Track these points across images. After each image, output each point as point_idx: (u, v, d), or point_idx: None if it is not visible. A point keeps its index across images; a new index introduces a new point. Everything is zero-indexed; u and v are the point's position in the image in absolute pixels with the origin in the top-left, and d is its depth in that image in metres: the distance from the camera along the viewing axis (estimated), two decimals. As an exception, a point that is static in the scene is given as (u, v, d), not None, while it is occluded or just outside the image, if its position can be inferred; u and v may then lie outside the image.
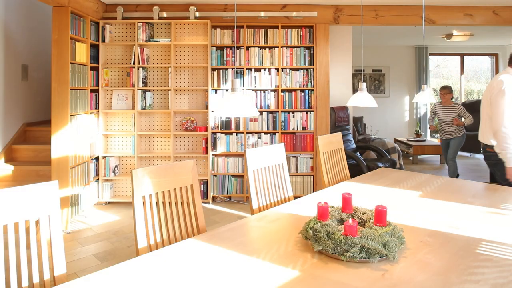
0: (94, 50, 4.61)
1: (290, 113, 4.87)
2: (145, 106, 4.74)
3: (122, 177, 4.74)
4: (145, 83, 4.77)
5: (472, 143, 7.72)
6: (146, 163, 4.89)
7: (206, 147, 4.75)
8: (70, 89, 3.93)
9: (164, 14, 4.81)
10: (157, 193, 1.84)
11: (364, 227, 1.67)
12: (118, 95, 4.80)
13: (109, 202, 4.77)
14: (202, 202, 4.80)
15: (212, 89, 4.83)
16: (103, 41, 4.68)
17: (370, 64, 9.20)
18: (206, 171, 4.86)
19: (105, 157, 4.71)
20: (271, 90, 4.86)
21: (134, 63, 4.68)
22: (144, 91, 4.74)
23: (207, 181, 4.77)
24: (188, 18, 4.78)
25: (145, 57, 4.73)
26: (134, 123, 4.72)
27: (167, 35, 4.86)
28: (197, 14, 4.78)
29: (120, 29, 4.83)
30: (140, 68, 4.69)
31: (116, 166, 4.78)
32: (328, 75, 4.86)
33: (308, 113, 4.88)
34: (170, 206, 1.88)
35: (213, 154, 4.87)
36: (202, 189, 4.77)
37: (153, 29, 4.84)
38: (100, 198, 4.67)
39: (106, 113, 4.84)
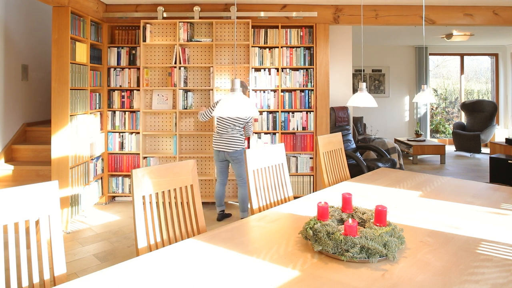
0: (94, 50, 4.61)
1: (290, 113, 4.87)
2: (186, 106, 4.75)
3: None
4: (185, 83, 4.79)
5: (472, 143, 7.73)
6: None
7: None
8: (70, 89, 3.93)
9: (169, 14, 4.80)
10: (157, 193, 1.84)
11: (364, 227, 1.67)
12: (158, 95, 4.81)
13: (109, 202, 4.77)
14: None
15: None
16: (144, 41, 4.68)
17: (370, 64, 9.20)
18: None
19: (146, 157, 4.73)
20: (271, 90, 4.86)
21: (175, 63, 4.68)
22: (186, 91, 4.75)
23: None
24: (225, 18, 4.74)
25: (186, 57, 4.74)
26: (175, 123, 4.72)
27: (207, 34, 4.86)
28: (202, 15, 4.76)
29: (160, 29, 4.85)
30: (182, 68, 4.70)
31: None
32: (328, 75, 4.85)
33: (308, 113, 4.88)
34: (170, 206, 1.88)
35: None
36: None
37: (194, 29, 4.85)
38: None
39: (146, 113, 4.84)
